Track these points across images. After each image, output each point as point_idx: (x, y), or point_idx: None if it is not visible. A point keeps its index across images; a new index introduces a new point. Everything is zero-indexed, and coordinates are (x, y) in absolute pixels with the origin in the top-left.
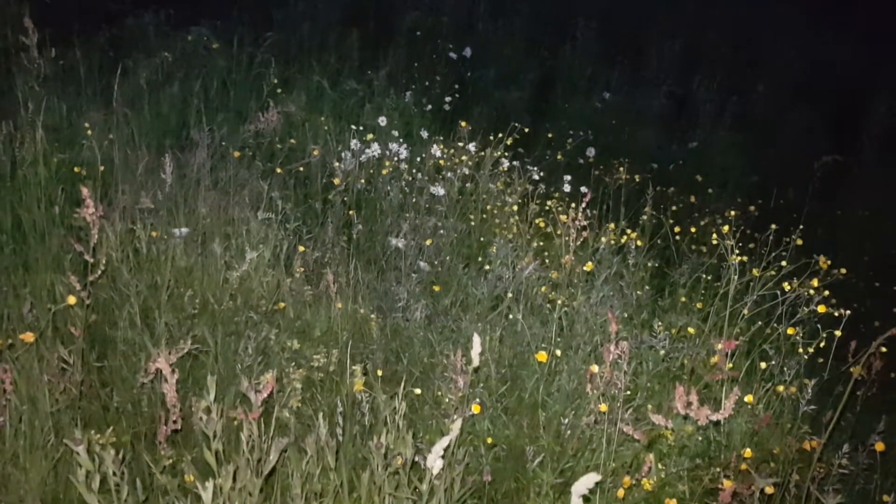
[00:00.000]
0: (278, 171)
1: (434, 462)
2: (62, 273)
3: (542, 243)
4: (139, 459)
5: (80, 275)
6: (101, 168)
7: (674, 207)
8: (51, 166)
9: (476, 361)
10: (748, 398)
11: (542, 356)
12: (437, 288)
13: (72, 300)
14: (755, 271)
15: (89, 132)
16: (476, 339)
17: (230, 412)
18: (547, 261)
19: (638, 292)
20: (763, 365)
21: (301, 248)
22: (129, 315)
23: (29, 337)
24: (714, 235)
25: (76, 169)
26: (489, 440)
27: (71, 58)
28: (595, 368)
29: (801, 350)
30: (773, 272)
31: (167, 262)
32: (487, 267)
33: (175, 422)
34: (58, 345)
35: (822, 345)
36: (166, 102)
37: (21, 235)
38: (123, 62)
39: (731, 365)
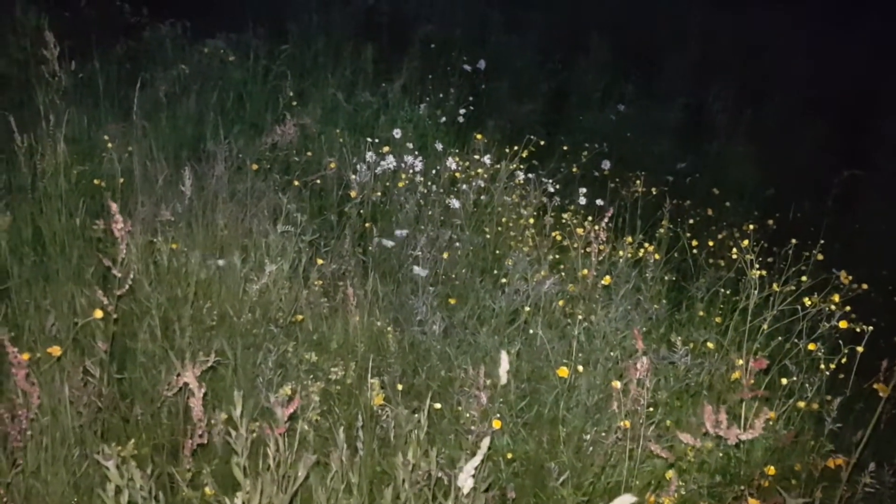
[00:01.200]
0: (295, 183)
1: (465, 482)
2: (82, 285)
3: (557, 256)
4: (161, 472)
5: (102, 287)
6: (121, 180)
7: (691, 220)
8: (71, 178)
9: (503, 380)
10: (770, 415)
11: (563, 372)
12: (452, 301)
13: (98, 314)
14: (775, 286)
15: (109, 145)
16: (504, 357)
17: (252, 425)
18: (563, 273)
19: (655, 306)
20: (784, 381)
21: (319, 262)
22: (149, 327)
23: (56, 351)
24: (733, 249)
25: (96, 181)
26: (509, 455)
27: (90, 70)
28: (617, 384)
29: (822, 366)
30: (792, 287)
31: (188, 274)
32: (504, 280)
33: (201, 436)
34: (82, 357)
35: (843, 361)
36: (183, 114)
37: (41, 247)
38: (141, 75)
39: (752, 381)
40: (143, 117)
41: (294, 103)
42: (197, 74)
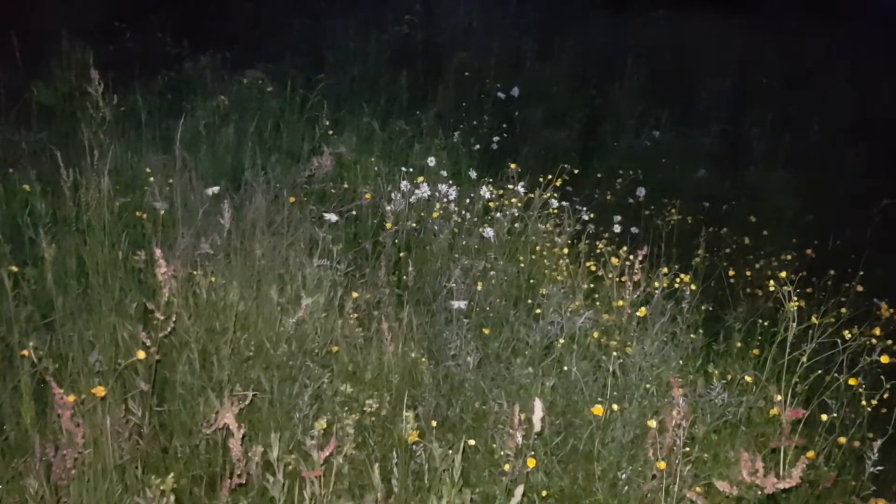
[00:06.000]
0: (333, 217)
1: None
2: (124, 317)
3: (592, 285)
4: None
5: (143, 319)
6: (162, 212)
7: (727, 249)
8: (113, 210)
9: (538, 427)
10: (809, 454)
11: (598, 410)
12: (486, 331)
13: (141, 355)
14: (814, 318)
15: (151, 179)
16: (538, 405)
17: (287, 457)
18: (597, 303)
19: (692, 335)
20: (823, 417)
21: (355, 295)
22: (188, 360)
23: (100, 391)
24: (771, 281)
25: (138, 213)
26: (544, 493)
27: (131, 101)
28: (653, 424)
29: (863, 402)
30: (832, 318)
31: (226, 307)
32: (538, 311)
33: (240, 475)
34: (123, 391)
35: (885, 396)
36: (222, 144)
37: (85, 278)
38: (182, 105)
39: (790, 429)
40: (183, 148)
41: (330, 132)
42: (236, 104)
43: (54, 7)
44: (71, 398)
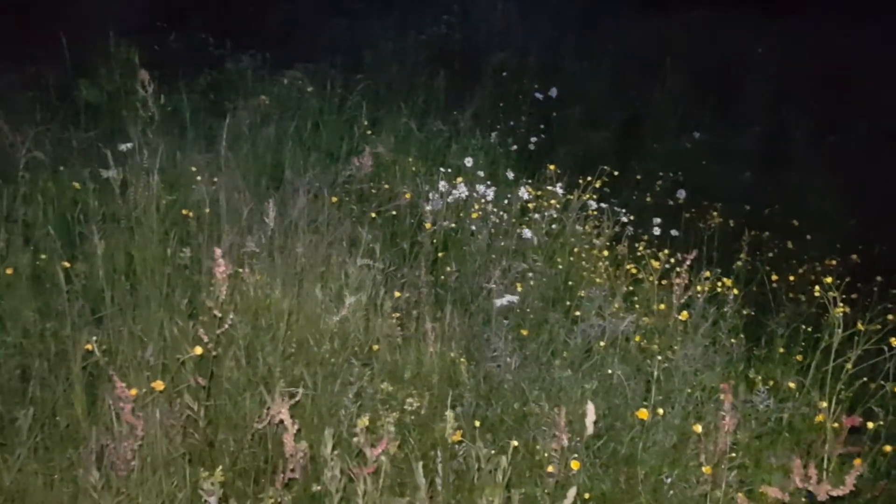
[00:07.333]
0: (372, 215)
1: None
2: (172, 312)
3: (631, 288)
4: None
5: (190, 315)
6: (207, 210)
7: (769, 253)
8: (160, 208)
9: (591, 430)
10: (856, 461)
11: (643, 414)
12: (525, 332)
13: (198, 350)
14: (860, 324)
15: (198, 178)
16: (591, 408)
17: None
18: (637, 306)
19: (733, 340)
20: (870, 425)
21: (398, 294)
22: (234, 356)
23: (159, 385)
24: (815, 285)
25: (184, 211)
26: (587, 496)
27: (176, 100)
28: (699, 429)
29: None
30: (878, 325)
31: (271, 305)
32: (578, 313)
33: (293, 470)
34: (173, 386)
35: None
36: (263, 143)
37: (133, 274)
38: (224, 105)
39: (844, 437)
40: (226, 147)
41: (368, 132)
42: (276, 104)
43: (101, 8)
44: (133, 391)
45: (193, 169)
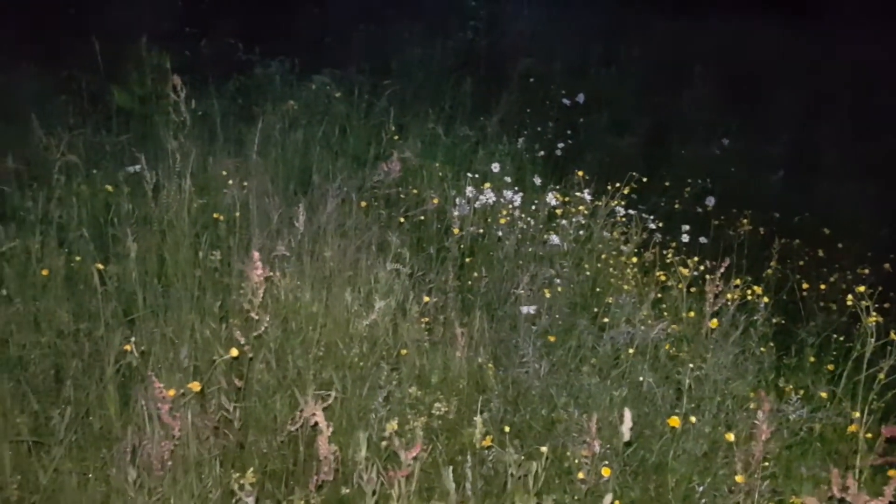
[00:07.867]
0: (401, 220)
1: None
2: (203, 314)
3: (660, 295)
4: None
5: (222, 318)
6: (237, 214)
7: (800, 262)
8: (192, 211)
9: (627, 436)
10: (890, 472)
11: (675, 422)
12: (552, 338)
13: (234, 352)
14: (893, 334)
15: (230, 182)
16: (627, 415)
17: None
18: (665, 313)
19: (763, 349)
20: None
21: (427, 299)
22: (264, 358)
23: (196, 387)
24: (849, 296)
25: (215, 215)
26: (616, 503)
27: (206, 105)
28: (731, 437)
29: None
30: None
31: (301, 308)
32: (606, 320)
33: (326, 472)
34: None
35: None
36: (291, 148)
37: (164, 276)
38: (254, 110)
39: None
40: (256, 152)
41: (396, 137)
42: (304, 109)
43: (133, 14)
44: (171, 392)
45: (224, 173)
